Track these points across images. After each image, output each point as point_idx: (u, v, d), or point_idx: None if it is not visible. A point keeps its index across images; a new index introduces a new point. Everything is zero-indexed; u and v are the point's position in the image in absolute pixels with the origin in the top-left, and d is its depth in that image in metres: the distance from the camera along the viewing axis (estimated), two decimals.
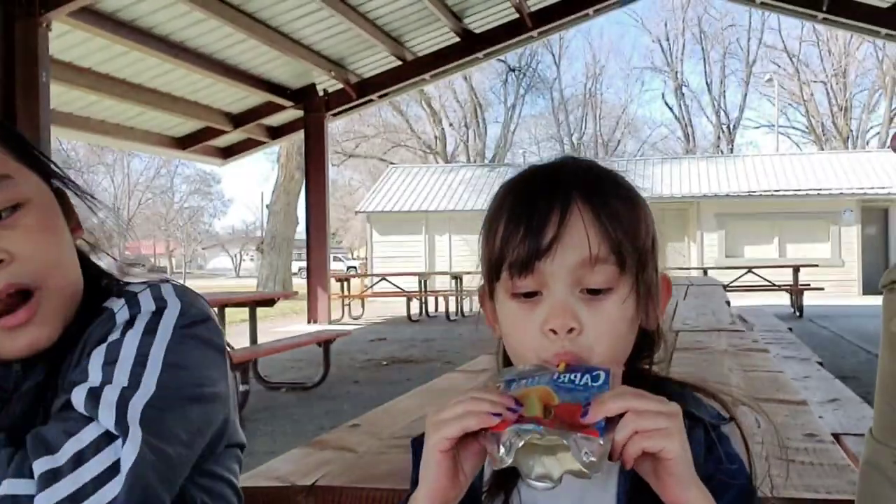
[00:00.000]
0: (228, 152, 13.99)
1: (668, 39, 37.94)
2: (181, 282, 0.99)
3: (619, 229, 0.78)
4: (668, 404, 0.68)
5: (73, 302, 0.91)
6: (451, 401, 0.70)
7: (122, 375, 0.84)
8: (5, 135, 0.89)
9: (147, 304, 0.92)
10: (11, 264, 0.84)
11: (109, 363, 0.86)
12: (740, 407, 0.84)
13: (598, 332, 0.77)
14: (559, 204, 0.78)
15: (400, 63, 12.46)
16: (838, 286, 18.16)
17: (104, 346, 0.87)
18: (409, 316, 14.24)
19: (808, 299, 13.94)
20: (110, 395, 0.82)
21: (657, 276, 0.83)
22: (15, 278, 0.84)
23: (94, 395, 0.82)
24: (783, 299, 14.17)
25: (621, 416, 0.66)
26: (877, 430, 0.92)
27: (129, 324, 0.90)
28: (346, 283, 14.68)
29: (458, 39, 12.20)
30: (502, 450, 0.64)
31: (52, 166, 0.94)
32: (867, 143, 33.19)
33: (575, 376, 0.70)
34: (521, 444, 0.63)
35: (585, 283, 0.77)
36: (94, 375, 0.85)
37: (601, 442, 0.63)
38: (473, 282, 0.88)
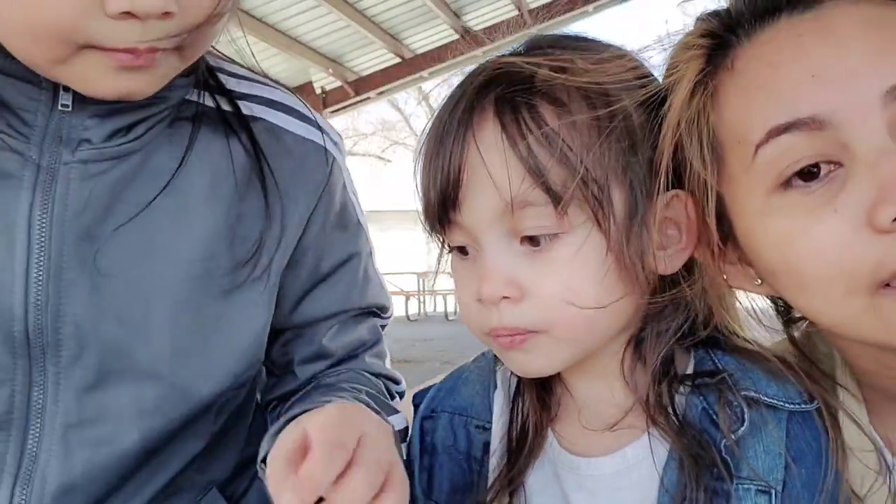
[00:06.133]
0: None
1: (668, 37, 37.98)
2: None
3: (547, 151, 0.56)
4: None
5: None
6: None
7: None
8: None
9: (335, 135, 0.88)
10: None
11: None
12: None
13: (548, 291, 0.58)
14: (462, 131, 0.58)
15: (398, 60, 12.41)
16: None
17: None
18: (407, 315, 14.19)
19: None
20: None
21: (656, 199, 0.59)
22: None
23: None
24: None
25: None
26: None
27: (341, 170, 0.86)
28: None
29: (457, 37, 12.18)
30: None
31: None
32: None
33: None
34: None
35: (521, 231, 0.58)
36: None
37: None
38: None
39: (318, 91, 12.80)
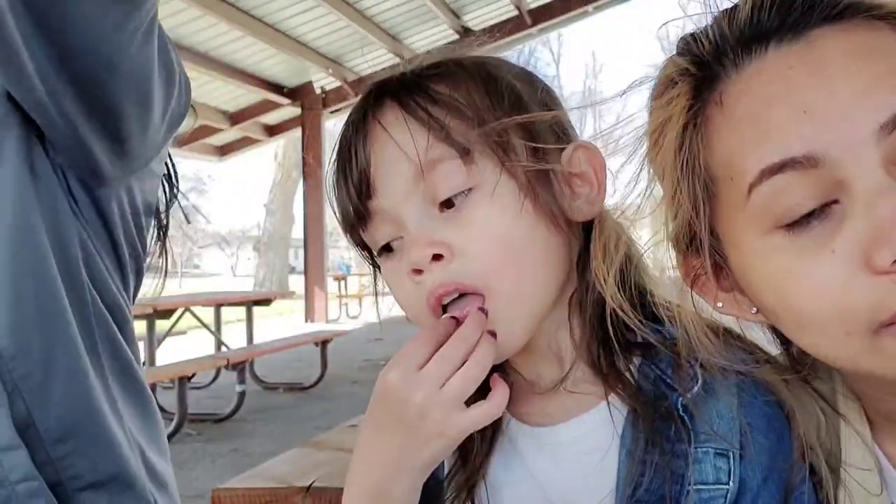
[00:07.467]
0: (224, 150, 13.98)
1: (668, 37, 38.09)
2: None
3: (443, 110, 0.61)
4: None
5: None
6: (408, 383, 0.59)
7: None
8: None
9: None
10: None
11: None
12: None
13: (475, 246, 0.60)
14: (363, 123, 0.63)
15: (398, 60, 12.42)
16: None
17: None
18: (407, 316, 14.22)
19: None
20: None
21: (558, 150, 0.64)
22: None
23: None
24: None
25: None
26: None
27: None
28: (342, 283, 14.66)
29: (456, 37, 12.18)
30: None
31: None
32: None
33: None
34: None
35: (437, 195, 0.61)
36: None
37: None
38: None
39: (318, 91, 12.83)
